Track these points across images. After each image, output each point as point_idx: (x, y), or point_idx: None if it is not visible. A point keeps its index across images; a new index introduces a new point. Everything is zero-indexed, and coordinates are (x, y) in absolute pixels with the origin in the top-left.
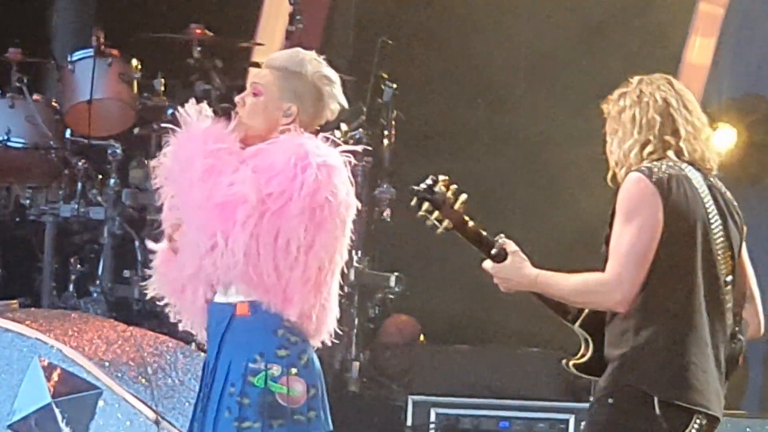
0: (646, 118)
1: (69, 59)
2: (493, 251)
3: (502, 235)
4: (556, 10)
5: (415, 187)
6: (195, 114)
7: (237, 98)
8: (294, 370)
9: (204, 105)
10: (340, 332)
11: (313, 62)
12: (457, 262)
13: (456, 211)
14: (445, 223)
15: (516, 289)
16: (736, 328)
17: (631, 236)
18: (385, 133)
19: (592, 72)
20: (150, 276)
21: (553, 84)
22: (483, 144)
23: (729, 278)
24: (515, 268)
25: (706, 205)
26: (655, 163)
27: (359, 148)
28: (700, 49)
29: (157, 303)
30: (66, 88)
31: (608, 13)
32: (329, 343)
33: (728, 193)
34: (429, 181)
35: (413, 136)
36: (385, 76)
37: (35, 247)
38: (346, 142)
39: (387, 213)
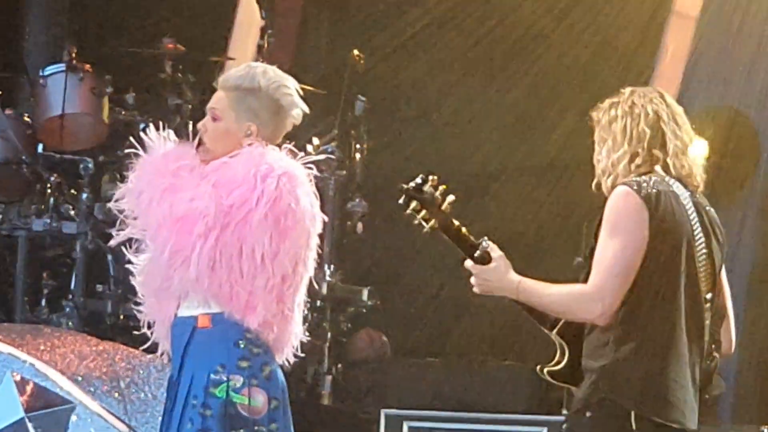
0: (637, 130)
1: (41, 74)
2: (476, 253)
3: (485, 238)
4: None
5: (405, 186)
6: (157, 138)
7: (199, 125)
8: (255, 381)
9: (166, 130)
10: (311, 346)
11: (267, 74)
12: (429, 275)
13: (443, 211)
14: (431, 222)
15: (494, 293)
16: (713, 346)
17: (615, 250)
18: (357, 147)
19: (566, 85)
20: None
21: (521, 100)
22: (456, 158)
23: (709, 296)
24: (499, 272)
25: (692, 223)
26: (643, 177)
27: (322, 156)
28: (672, 59)
29: (130, 317)
30: (38, 103)
31: (580, 22)
32: (291, 359)
33: (712, 211)
34: (419, 180)
35: (386, 150)
36: (357, 90)
37: (7, 261)
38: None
39: (359, 227)
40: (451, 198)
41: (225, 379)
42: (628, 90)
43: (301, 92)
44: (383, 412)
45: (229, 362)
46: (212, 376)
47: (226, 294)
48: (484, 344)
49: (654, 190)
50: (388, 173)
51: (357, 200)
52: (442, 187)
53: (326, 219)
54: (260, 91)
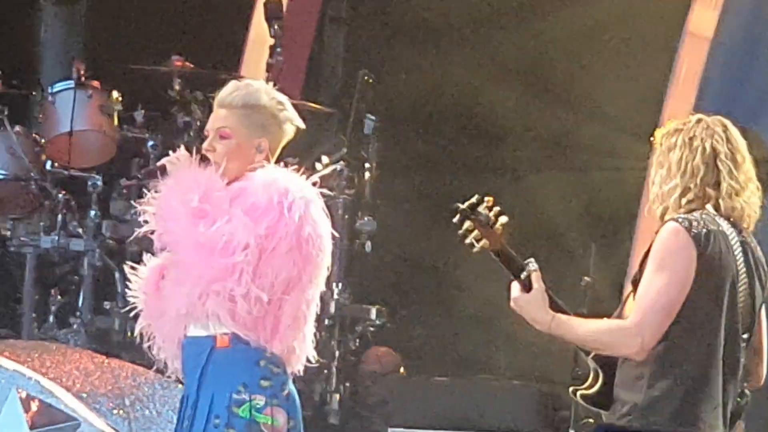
0: (692, 164)
1: (49, 91)
2: (522, 275)
3: (532, 259)
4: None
5: (460, 205)
6: (183, 160)
7: (205, 146)
8: (276, 401)
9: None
10: (319, 365)
11: (267, 91)
12: (436, 294)
13: (494, 232)
14: (483, 242)
15: (527, 320)
16: (744, 384)
17: (659, 287)
18: (366, 166)
19: (580, 99)
20: (132, 296)
21: (541, 113)
22: (467, 177)
23: (745, 336)
24: (535, 305)
25: (738, 264)
26: (694, 214)
27: (329, 169)
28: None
29: (137, 335)
30: (47, 120)
31: (592, 41)
32: (300, 372)
33: (759, 250)
34: (474, 200)
35: (395, 170)
36: (367, 108)
37: (16, 278)
38: (326, 175)
39: (368, 245)
40: (504, 219)
41: (247, 398)
42: (694, 118)
43: (293, 109)
44: (390, 430)
45: (250, 382)
46: (234, 395)
47: (252, 322)
48: (492, 363)
49: (704, 230)
50: (398, 192)
51: (366, 219)
52: (496, 209)
53: (336, 235)
54: (264, 107)
